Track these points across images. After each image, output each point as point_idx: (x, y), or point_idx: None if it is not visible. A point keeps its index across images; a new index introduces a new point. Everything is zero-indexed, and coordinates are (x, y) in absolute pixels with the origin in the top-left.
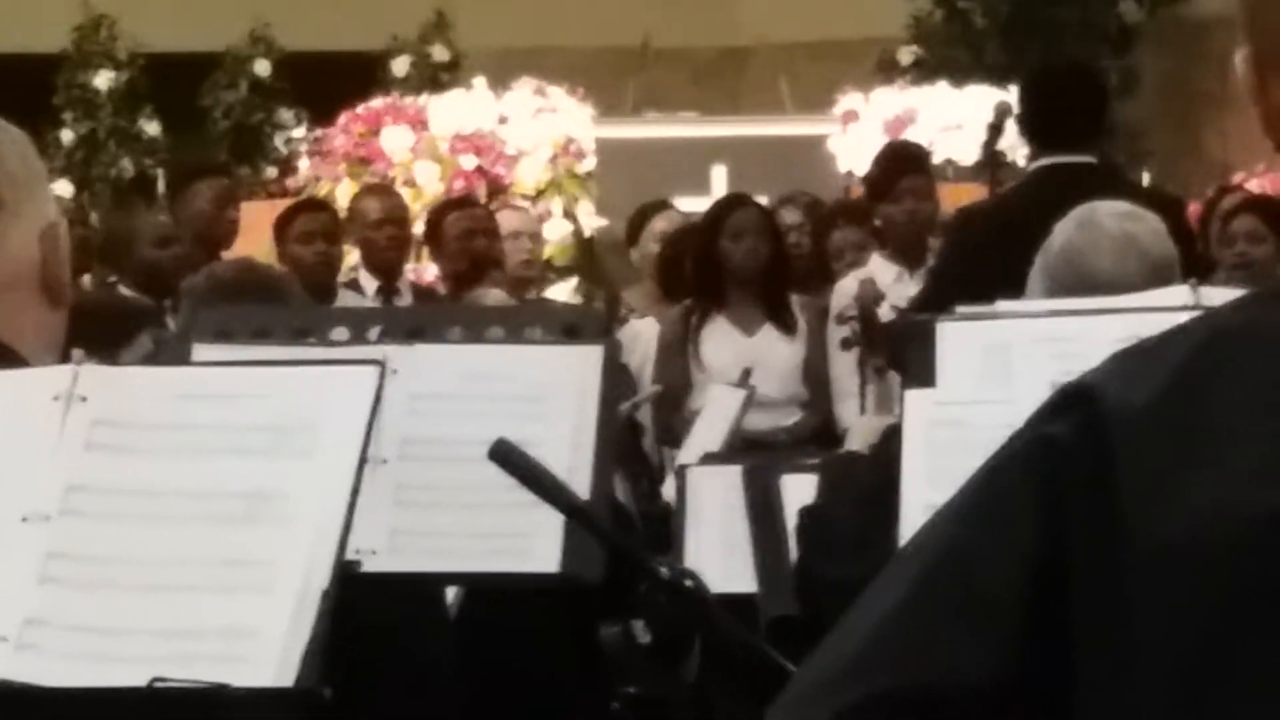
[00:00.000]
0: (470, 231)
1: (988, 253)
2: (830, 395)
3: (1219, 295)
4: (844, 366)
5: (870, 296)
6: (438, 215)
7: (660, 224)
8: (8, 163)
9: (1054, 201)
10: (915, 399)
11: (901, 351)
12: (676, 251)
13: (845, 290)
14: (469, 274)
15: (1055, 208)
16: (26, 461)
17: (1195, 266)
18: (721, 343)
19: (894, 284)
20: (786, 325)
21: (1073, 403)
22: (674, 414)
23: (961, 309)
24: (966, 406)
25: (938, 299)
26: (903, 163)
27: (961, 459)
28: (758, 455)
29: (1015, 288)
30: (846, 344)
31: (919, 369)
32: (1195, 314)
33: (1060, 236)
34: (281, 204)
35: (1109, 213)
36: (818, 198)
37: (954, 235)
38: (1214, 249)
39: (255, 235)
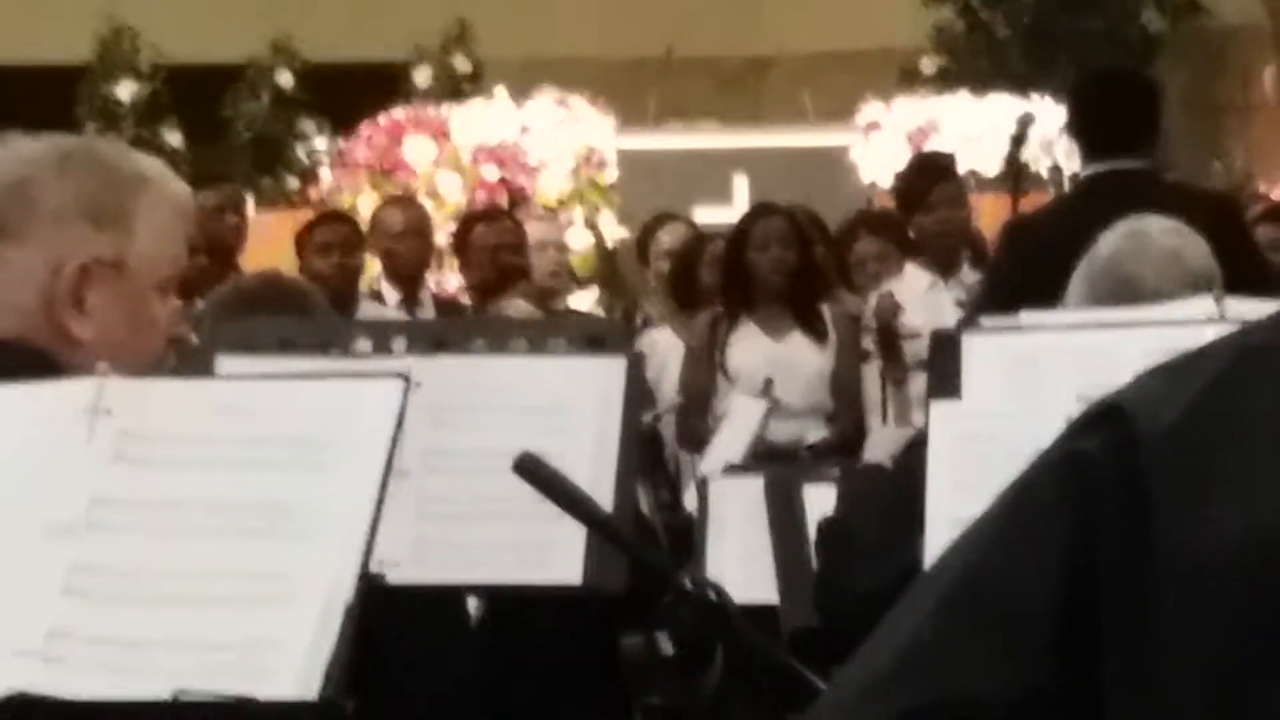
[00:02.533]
0: (498, 245)
1: (1042, 263)
2: (856, 405)
3: (1244, 307)
4: (870, 378)
5: (888, 309)
6: (466, 226)
7: (666, 239)
8: (30, 189)
9: (1107, 209)
10: (941, 411)
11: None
12: (687, 264)
13: (874, 304)
14: (494, 285)
15: (1108, 215)
16: (52, 474)
17: (1253, 265)
18: (749, 347)
19: (928, 292)
20: (817, 333)
21: (1102, 420)
22: (700, 420)
23: (987, 321)
24: (992, 419)
25: (995, 310)
26: (934, 172)
27: (987, 471)
28: (780, 466)
29: None
30: (865, 356)
31: (944, 380)
32: (1221, 326)
33: (1106, 245)
34: (304, 214)
35: (1158, 227)
36: (815, 212)
37: (1007, 246)
38: None
39: (277, 246)
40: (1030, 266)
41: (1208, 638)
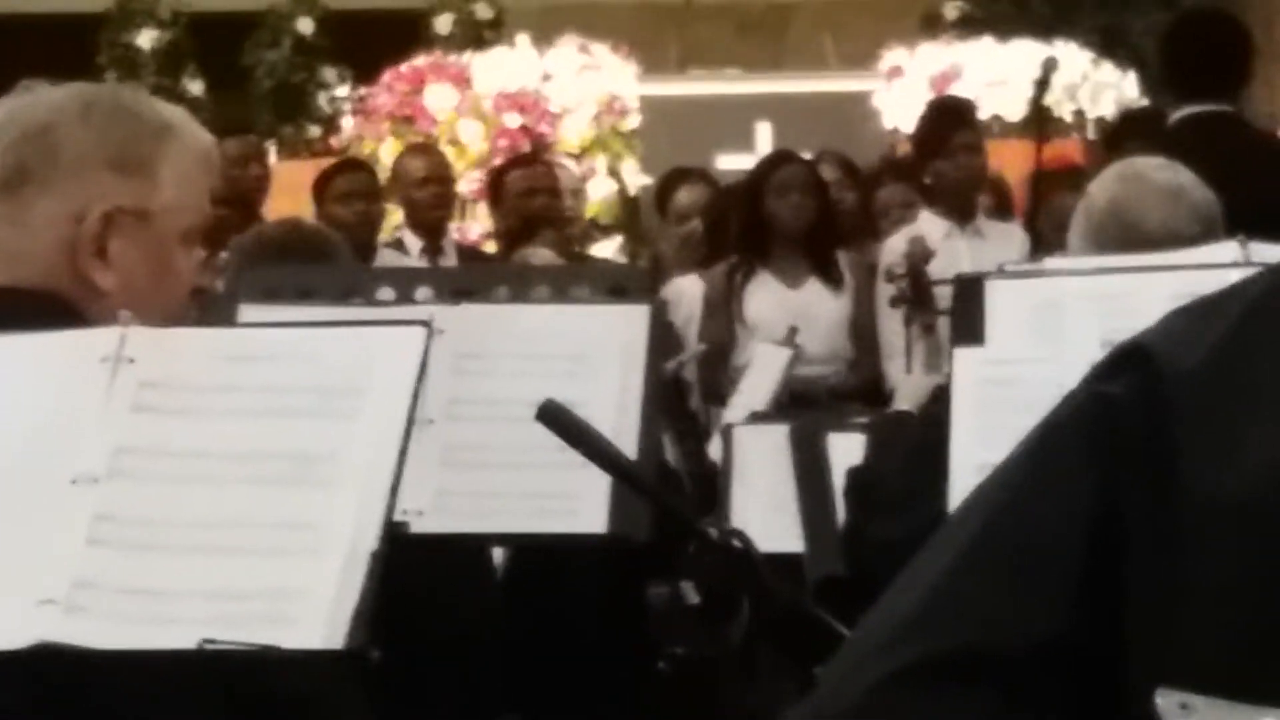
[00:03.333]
0: (532, 190)
1: None
2: (876, 352)
3: (1269, 251)
4: (892, 324)
5: (920, 255)
6: (500, 172)
7: (684, 198)
8: (53, 136)
9: (1195, 151)
10: (964, 357)
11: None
12: (719, 214)
13: (894, 248)
14: (521, 232)
15: (1196, 157)
16: (75, 424)
17: None
18: (766, 297)
19: (944, 240)
20: (833, 280)
21: (1128, 361)
22: (719, 371)
23: (1010, 266)
24: (1016, 365)
25: None
26: (952, 118)
27: (1011, 417)
28: (804, 414)
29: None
30: (895, 302)
31: (968, 327)
32: (1246, 269)
33: (1103, 192)
34: (325, 163)
35: (1151, 165)
36: (848, 157)
37: None
38: None
39: (299, 195)
40: None
41: (1235, 577)
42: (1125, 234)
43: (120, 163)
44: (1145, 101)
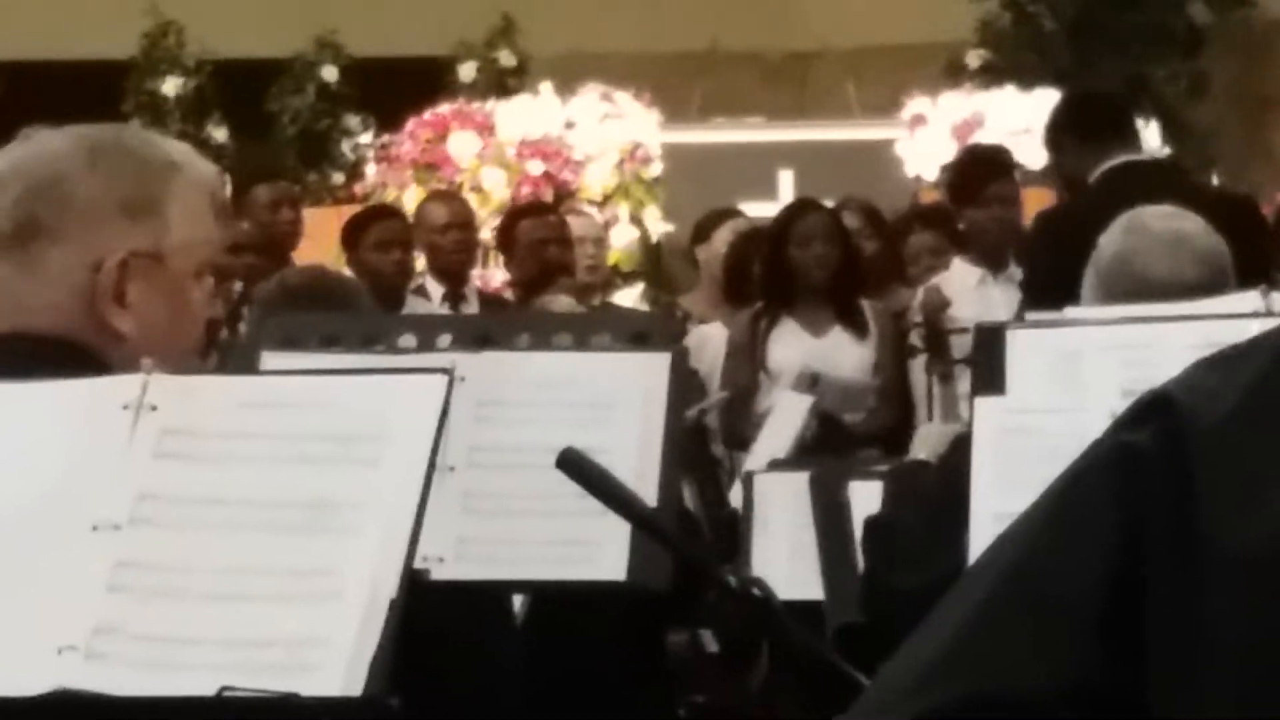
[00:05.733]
0: (543, 240)
1: (1073, 256)
2: (897, 399)
3: None
4: (912, 374)
5: (934, 304)
6: (511, 221)
7: (727, 233)
8: (63, 186)
9: (1131, 199)
10: (985, 406)
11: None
12: (741, 257)
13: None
14: (538, 280)
15: (1133, 205)
16: (96, 471)
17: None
18: (790, 344)
19: (977, 287)
20: (857, 328)
21: (1152, 412)
22: (742, 418)
23: (1031, 316)
24: (1037, 414)
25: (1035, 306)
26: (990, 168)
27: (1032, 467)
28: (825, 459)
29: None
30: (911, 351)
31: (989, 376)
32: (1268, 320)
33: (1109, 244)
34: (348, 210)
35: (1155, 215)
36: (872, 204)
37: (1036, 243)
38: None
39: (323, 241)
40: (1061, 260)
41: (1256, 630)
42: (1133, 285)
43: (131, 206)
44: (1166, 150)
